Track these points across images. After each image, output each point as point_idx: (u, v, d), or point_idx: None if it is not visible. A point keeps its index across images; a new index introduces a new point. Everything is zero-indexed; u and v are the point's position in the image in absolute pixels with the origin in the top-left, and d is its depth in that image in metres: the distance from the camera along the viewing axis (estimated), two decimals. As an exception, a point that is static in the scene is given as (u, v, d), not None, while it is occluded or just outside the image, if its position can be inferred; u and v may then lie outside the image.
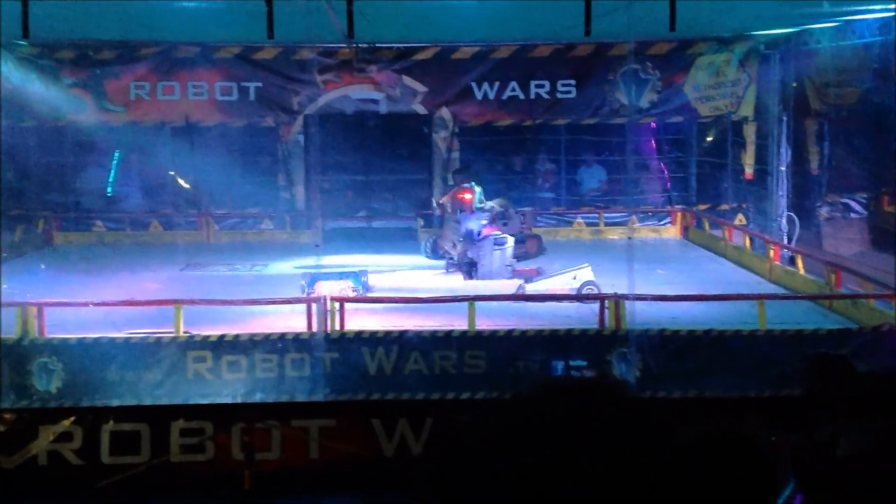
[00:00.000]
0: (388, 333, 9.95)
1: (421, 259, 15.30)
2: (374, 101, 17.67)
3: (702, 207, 18.03)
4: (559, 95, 17.62)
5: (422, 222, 17.53)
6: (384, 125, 17.95)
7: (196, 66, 17.23)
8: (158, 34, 16.10)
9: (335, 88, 17.53)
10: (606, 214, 18.11)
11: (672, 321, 10.50)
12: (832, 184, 15.81)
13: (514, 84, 17.55)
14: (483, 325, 10.18)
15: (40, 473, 7.48)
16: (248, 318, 10.86)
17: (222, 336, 9.83)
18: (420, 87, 17.60)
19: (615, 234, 17.76)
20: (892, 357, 9.36)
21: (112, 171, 17.83)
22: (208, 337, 9.84)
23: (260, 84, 17.41)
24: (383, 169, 18.21)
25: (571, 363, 9.89)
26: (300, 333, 9.94)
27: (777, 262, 13.85)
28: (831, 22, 14.12)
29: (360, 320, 10.49)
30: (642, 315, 10.18)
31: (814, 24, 14.50)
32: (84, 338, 9.78)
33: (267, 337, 9.86)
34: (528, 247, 15.24)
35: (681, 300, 10.98)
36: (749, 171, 17.36)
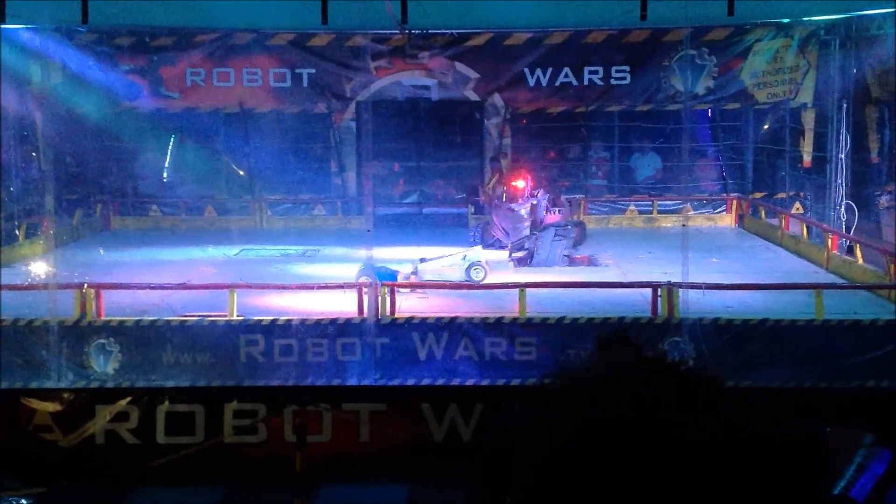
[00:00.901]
0: (438, 319, 9.96)
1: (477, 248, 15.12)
2: (426, 88, 17.66)
3: (758, 196, 17.75)
4: (613, 82, 17.45)
5: (472, 209, 17.50)
6: (436, 112, 17.94)
7: (250, 52, 17.36)
8: (214, 21, 16.27)
9: (387, 75, 17.55)
10: (660, 202, 17.92)
11: (726, 310, 10.36)
12: (892, 172, 15.48)
13: (567, 70, 17.42)
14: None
15: (97, 452, 7.62)
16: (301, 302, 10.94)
17: (274, 320, 9.93)
18: (472, 74, 17.54)
19: (668, 222, 17.56)
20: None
21: (168, 157, 18.06)
22: (261, 320, 9.94)
23: (313, 71, 17.49)
24: (434, 156, 18.20)
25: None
26: (351, 318, 10.00)
27: (835, 252, 13.59)
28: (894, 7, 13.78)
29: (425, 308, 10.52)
30: (696, 304, 10.06)
31: (875, 9, 14.17)
32: (140, 320, 9.95)
33: (318, 321, 9.93)
34: (574, 234, 15.16)
35: (735, 289, 10.83)
36: (807, 159, 17.06)
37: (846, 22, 15.61)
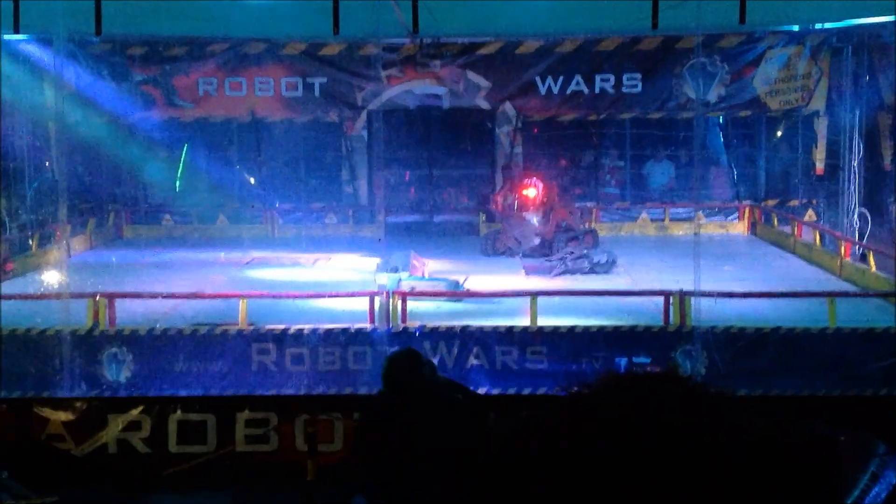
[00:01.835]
0: (449, 328, 9.95)
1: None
2: (438, 97, 17.68)
3: (770, 203, 17.70)
4: (624, 89, 17.42)
5: (484, 217, 17.51)
6: (447, 120, 17.96)
7: (262, 62, 17.43)
8: (226, 31, 16.34)
9: (399, 84, 17.58)
10: (672, 210, 17.89)
11: (739, 318, 10.32)
12: (906, 180, 15.40)
13: (578, 78, 17.41)
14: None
15: (109, 461, 7.62)
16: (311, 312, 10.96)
17: (286, 329, 9.94)
18: (483, 82, 17.56)
19: (680, 230, 17.53)
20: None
21: (180, 166, 18.14)
22: (272, 329, 9.96)
23: (324, 80, 17.54)
24: (446, 164, 18.22)
25: (635, 360, 9.77)
26: (362, 327, 10.00)
27: (848, 259, 13.53)
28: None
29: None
30: (708, 312, 10.01)
31: (888, 16, 14.11)
32: (153, 329, 9.97)
33: (329, 330, 9.93)
34: (585, 242, 15.14)
35: (748, 297, 10.78)
36: (820, 167, 16.99)
37: (858, 29, 15.56)
